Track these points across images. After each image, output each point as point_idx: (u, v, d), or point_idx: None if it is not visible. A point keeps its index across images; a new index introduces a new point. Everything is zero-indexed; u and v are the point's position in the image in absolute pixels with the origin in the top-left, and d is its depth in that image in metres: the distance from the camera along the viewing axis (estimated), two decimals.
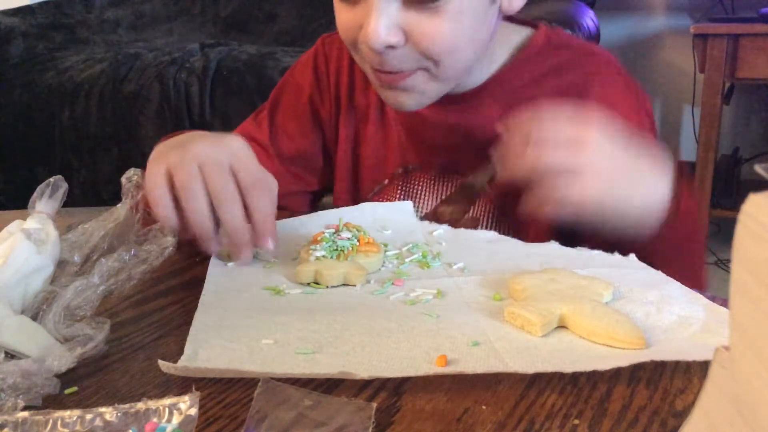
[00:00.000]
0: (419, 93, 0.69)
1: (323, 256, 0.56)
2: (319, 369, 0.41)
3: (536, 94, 0.67)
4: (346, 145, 0.83)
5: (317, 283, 0.55)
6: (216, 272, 0.58)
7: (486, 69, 0.75)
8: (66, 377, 0.42)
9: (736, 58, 2.07)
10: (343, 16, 0.67)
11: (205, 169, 0.56)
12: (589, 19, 1.82)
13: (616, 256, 0.58)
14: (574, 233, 0.62)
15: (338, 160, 0.85)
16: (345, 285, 0.55)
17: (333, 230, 0.59)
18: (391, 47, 0.63)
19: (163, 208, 0.57)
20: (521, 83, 0.74)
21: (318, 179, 0.88)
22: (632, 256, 0.58)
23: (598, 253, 0.59)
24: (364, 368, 0.41)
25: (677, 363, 0.43)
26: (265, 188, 0.58)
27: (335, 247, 0.57)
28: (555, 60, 0.74)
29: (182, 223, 0.57)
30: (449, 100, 0.74)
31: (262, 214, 0.57)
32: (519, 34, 0.77)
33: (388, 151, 0.81)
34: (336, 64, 0.83)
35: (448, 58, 0.66)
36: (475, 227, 0.67)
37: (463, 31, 0.65)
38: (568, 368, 0.40)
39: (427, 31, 0.63)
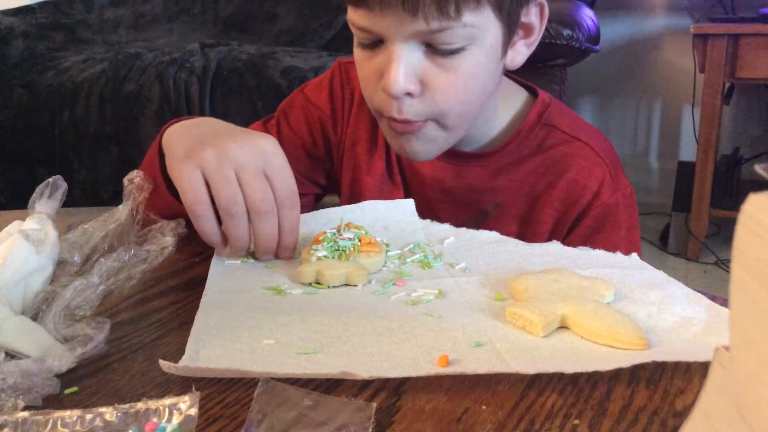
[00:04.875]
0: (430, 141, 0.71)
1: (325, 257, 0.56)
2: (320, 369, 0.41)
3: (516, 172, 0.77)
4: (352, 172, 0.84)
5: (319, 283, 0.55)
6: (217, 272, 0.58)
7: (488, 127, 0.78)
8: (66, 377, 0.42)
9: (736, 58, 2.07)
10: (364, 65, 0.69)
11: (244, 176, 0.57)
12: (589, 19, 1.82)
13: (618, 256, 0.58)
14: None
15: (343, 184, 0.85)
16: (346, 285, 0.55)
17: (335, 230, 0.59)
18: (409, 94, 0.66)
19: (209, 228, 0.58)
20: (509, 160, 0.78)
21: (321, 188, 0.89)
22: (634, 256, 0.58)
23: (600, 254, 0.59)
24: (365, 368, 0.41)
25: (677, 363, 0.43)
26: (297, 202, 0.60)
27: (337, 247, 0.57)
28: (540, 140, 0.78)
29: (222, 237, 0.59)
30: (447, 158, 0.77)
31: (291, 228, 0.59)
32: (519, 99, 0.80)
33: (393, 190, 0.82)
34: (350, 90, 0.85)
35: (458, 112, 0.69)
36: None
37: (474, 88, 0.68)
38: (570, 369, 0.40)
39: (442, 85, 0.66)
